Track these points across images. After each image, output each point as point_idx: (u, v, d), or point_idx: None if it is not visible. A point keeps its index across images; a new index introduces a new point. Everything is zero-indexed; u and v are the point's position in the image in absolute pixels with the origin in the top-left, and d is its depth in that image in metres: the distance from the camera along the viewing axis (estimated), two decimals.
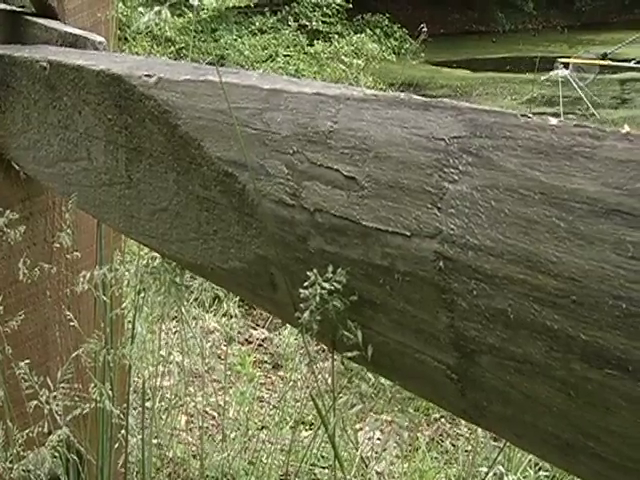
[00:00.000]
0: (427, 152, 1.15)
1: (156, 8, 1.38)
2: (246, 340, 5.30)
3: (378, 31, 19.72)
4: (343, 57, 11.22)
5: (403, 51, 19.64)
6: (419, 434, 4.39)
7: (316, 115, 1.32)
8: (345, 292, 1.27)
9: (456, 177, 1.11)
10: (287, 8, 16.57)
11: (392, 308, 1.24)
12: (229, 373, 4.30)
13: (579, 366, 1.03)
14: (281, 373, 4.70)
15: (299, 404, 3.61)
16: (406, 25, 20.12)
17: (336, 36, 12.35)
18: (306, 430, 4.04)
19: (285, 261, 1.40)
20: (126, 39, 9.84)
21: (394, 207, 1.19)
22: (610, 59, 12.62)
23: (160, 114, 1.63)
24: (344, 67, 11.32)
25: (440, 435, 4.82)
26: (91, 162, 1.90)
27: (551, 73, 11.60)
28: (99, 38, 2.17)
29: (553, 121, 1.05)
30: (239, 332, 5.14)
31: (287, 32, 12.71)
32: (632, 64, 12.44)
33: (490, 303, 1.09)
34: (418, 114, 1.19)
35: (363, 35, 12.07)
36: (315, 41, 12.24)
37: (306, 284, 1.26)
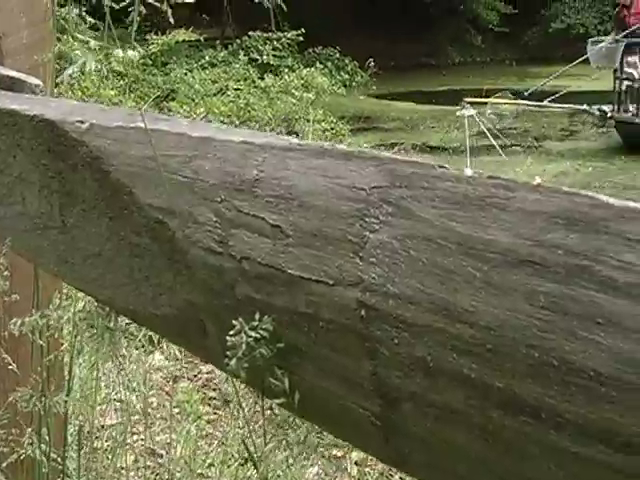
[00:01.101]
0: (349, 202, 1.17)
1: (80, 60, 1.38)
2: (195, 376, 5.28)
3: (329, 64, 19.85)
4: (293, 91, 11.28)
5: (354, 84, 19.78)
6: (368, 469, 4.39)
7: (243, 163, 1.34)
8: (272, 339, 1.28)
9: (377, 226, 1.13)
10: (238, 41, 16.63)
11: (317, 355, 1.25)
12: (177, 411, 4.27)
13: (496, 414, 1.05)
14: (229, 409, 4.68)
15: (246, 441, 3.61)
16: (357, 58, 20.31)
17: (286, 70, 12.40)
18: (254, 468, 4.03)
19: (214, 308, 1.41)
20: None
21: (318, 256, 1.20)
22: (526, 97, 12.66)
23: (92, 160, 1.63)
24: (294, 101, 11.38)
25: (390, 469, 4.83)
26: (25, 206, 1.90)
27: (458, 113, 11.61)
28: (36, 81, 2.17)
29: (469, 172, 1.07)
30: (187, 368, 5.12)
31: (238, 66, 12.74)
32: (542, 103, 12.47)
33: (411, 351, 1.11)
34: (340, 164, 1.21)
35: (313, 69, 12.13)
36: (266, 75, 12.29)
37: (232, 332, 1.27)
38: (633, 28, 12.49)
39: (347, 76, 19.65)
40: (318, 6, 22.82)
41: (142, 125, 1.53)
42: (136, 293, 1.59)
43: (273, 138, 1.34)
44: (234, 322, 1.27)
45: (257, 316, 1.28)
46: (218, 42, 16.90)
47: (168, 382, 4.75)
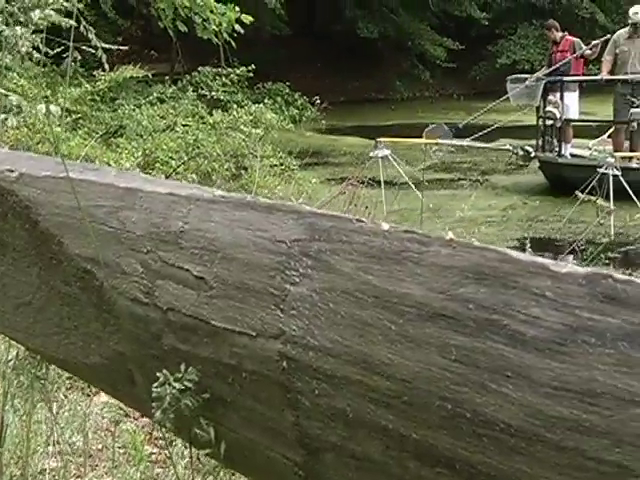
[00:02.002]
0: (270, 254, 1.18)
1: (2, 116, 1.39)
2: (142, 415, 5.22)
3: (279, 99, 19.93)
4: (242, 127, 11.28)
5: (304, 119, 19.87)
6: None
7: (168, 215, 1.35)
8: (197, 390, 1.29)
9: (297, 279, 1.15)
10: (188, 77, 16.65)
11: (242, 406, 1.26)
12: (122, 451, 4.23)
13: (413, 464, 1.06)
14: (176, 449, 4.64)
15: None
16: (307, 94, 20.40)
17: (235, 105, 12.43)
18: None
19: (141, 358, 1.41)
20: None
21: (240, 307, 1.22)
22: (460, 129, 12.57)
23: (22, 209, 1.63)
24: (243, 136, 11.38)
25: None
26: None
27: (371, 154, 11.57)
28: None
29: (385, 226, 1.09)
30: (133, 408, 5.07)
31: (186, 101, 12.75)
32: (465, 142, 12.36)
33: (331, 402, 1.12)
34: (263, 217, 1.22)
35: (262, 105, 12.17)
36: (215, 110, 12.31)
37: (157, 384, 1.28)
38: (556, 66, 12.29)
39: (297, 111, 19.71)
40: (268, 42, 22.97)
41: (71, 175, 1.54)
42: (66, 342, 1.59)
43: (198, 190, 1.35)
44: (158, 374, 1.27)
45: (182, 367, 1.29)
46: (167, 78, 16.92)
47: (112, 423, 4.70)
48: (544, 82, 12.02)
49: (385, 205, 10.58)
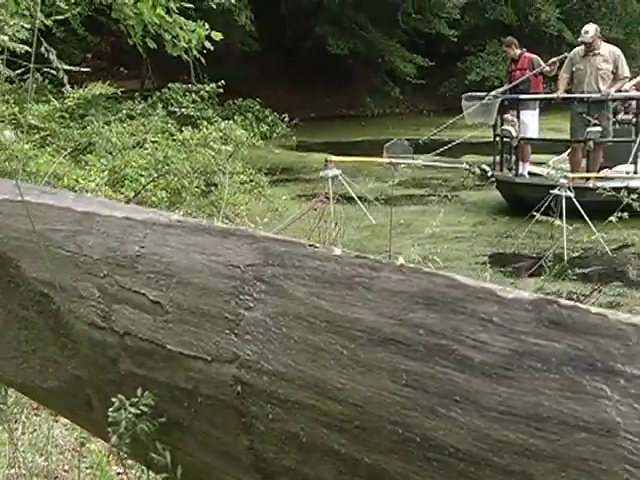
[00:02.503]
0: (225, 279, 1.19)
1: None
2: None
3: (250, 115, 19.95)
4: (212, 143, 11.26)
5: (275, 135, 19.89)
6: None
7: (125, 239, 1.35)
8: (154, 414, 1.29)
9: (251, 304, 1.15)
10: (158, 93, 16.62)
11: (198, 430, 1.26)
12: (88, 472, 4.21)
13: None
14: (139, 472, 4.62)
15: None
16: (278, 110, 20.43)
17: (205, 122, 12.40)
18: None
19: (99, 382, 1.41)
20: None
21: (196, 332, 1.22)
22: (421, 145, 12.39)
23: None
24: (213, 153, 11.36)
25: None
26: None
27: (321, 174, 11.41)
28: None
29: (337, 251, 1.10)
30: None
31: (156, 118, 12.71)
32: (420, 161, 12.10)
33: (284, 427, 1.13)
34: (218, 241, 1.23)
35: (231, 122, 12.16)
36: (185, 127, 12.28)
37: (112, 408, 1.28)
38: (514, 83, 12.00)
39: (267, 127, 19.74)
40: (239, 58, 23.00)
41: (28, 199, 1.54)
42: (24, 366, 1.59)
43: (154, 214, 1.36)
44: (113, 400, 1.27)
45: (139, 391, 1.29)
46: (137, 94, 16.88)
47: (78, 444, 4.68)
48: (500, 100, 11.84)
49: (356, 221, 10.60)
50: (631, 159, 10.84)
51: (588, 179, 10.46)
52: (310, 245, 1.12)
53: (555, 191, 8.46)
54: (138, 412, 1.27)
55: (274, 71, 24.57)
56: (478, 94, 12.56)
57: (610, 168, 11.09)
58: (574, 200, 8.37)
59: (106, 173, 8.82)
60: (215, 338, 1.19)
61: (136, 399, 1.28)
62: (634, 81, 11.90)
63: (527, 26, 25.70)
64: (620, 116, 11.81)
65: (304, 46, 24.18)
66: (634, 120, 11.58)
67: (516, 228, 9.77)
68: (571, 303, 0.90)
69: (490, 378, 0.92)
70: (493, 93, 12.13)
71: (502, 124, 11.73)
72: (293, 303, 1.11)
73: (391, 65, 25.33)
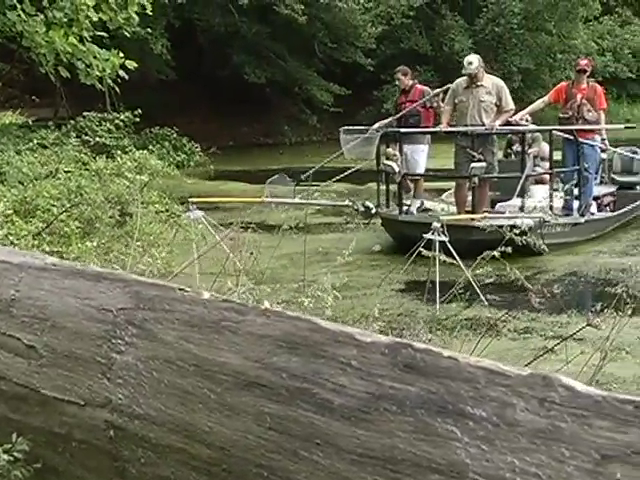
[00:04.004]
0: (98, 323, 1.19)
1: None
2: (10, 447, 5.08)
3: (167, 144, 19.80)
4: (127, 173, 11.16)
5: (192, 164, 19.79)
6: None
7: (0, 283, 1.34)
8: (29, 460, 1.27)
9: (123, 348, 1.16)
10: (72, 122, 16.43)
11: (73, 475, 1.25)
12: None
13: None
14: None
15: None
16: (195, 138, 20.35)
17: (119, 151, 12.29)
18: None
19: None
20: None
21: (69, 376, 1.22)
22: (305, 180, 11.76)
23: None
24: (128, 183, 11.25)
25: None
26: None
27: (183, 215, 11.11)
28: None
29: (206, 295, 1.11)
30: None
31: (69, 147, 12.56)
32: (297, 199, 11.15)
33: (156, 471, 1.13)
34: (91, 285, 1.23)
35: (146, 151, 12.07)
36: (99, 156, 12.16)
37: None
38: (398, 115, 11.19)
39: (185, 156, 19.64)
40: (156, 86, 22.86)
41: None
42: None
43: (30, 257, 1.35)
44: None
45: (14, 437, 1.28)
46: (51, 123, 16.65)
47: None
48: (380, 134, 10.99)
49: (273, 250, 10.57)
50: (516, 194, 10.25)
51: (473, 219, 9.63)
52: (180, 289, 1.13)
53: (428, 235, 7.66)
54: (11, 459, 1.26)
55: (191, 99, 24.50)
56: (357, 127, 11.87)
57: (505, 201, 10.61)
58: (448, 245, 7.53)
59: (9, 203, 8.66)
60: (88, 382, 1.19)
61: (10, 445, 1.26)
62: (524, 112, 11.63)
63: (441, 56, 26.11)
64: (516, 147, 11.44)
65: (221, 75, 24.17)
66: (529, 150, 11.18)
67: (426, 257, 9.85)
68: (424, 346, 0.92)
69: (349, 421, 0.94)
70: (376, 126, 11.37)
71: (387, 158, 10.94)
72: (163, 347, 1.12)
73: (308, 94, 25.45)
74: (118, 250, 9.25)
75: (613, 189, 12.10)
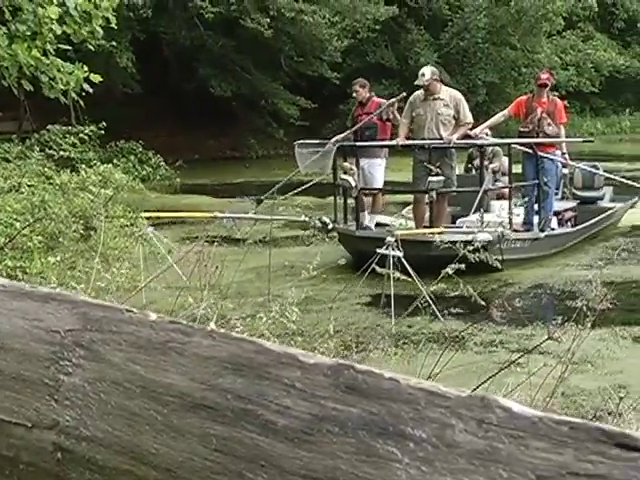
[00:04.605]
0: (45, 344, 1.19)
1: None
2: None
3: (132, 158, 19.76)
4: (91, 187, 11.13)
5: (158, 177, 19.77)
6: None
7: None
8: None
9: (70, 370, 1.16)
10: (36, 135, 16.36)
11: None
12: None
13: None
14: None
15: None
16: (161, 152, 20.33)
17: (84, 165, 12.27)
18: None
19: None
20: None
21: (17, 398, 1.21)
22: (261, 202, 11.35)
23: None
24: (92, 197, 11.21)
25: None
26: None
27: (137, 231, 10.92)
28: None
29: (153, 317, 1.11)
30: None
31: (33, 161, 12.52)
32: (249, 214, 10.70)
33: None
34: (39, 306, 1.23)
35: (110, 165, 12.07)
36: (63, 170, 12.12)
37: None
38: (354, 128, 10.98)
39: (151, 170, 19.61)
40: (121, 100, 22.83)
41: None
42: None
43: None
44: None
45: None
46: (15, 136, 16.58)
47: None
48: (335, 148, 10.74)
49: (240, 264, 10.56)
50: (474, 209, 10.06)
51: (432, 234, 9.42)
52: (127, 310, 1.13)
53: (382, 250, 7.56)
54: None
55: (157, 113, 24.47)
56: (313, 141, 11.72)
57: (466, 216, 10.44)
58: (402, 260, 7.49)
59: None
60: (35, 404, 1.19)
61: None
62: (484, 125, 11.49)
63: (407, 69, 26.27)
64: (477, 162, 11.21)
65: (187, 88, 24.18)
66: (489, 165, 11.13)
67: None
68: (366, 368, 0.93)
69: (292, 442, 0.95)
70: (333, 140, 11.10)
71: (337, 174, 10.77)
72: (110, 368, 1.12)
73: (275, 107, 25.52)
74: (82, 265, 9.22)
75: (574, 204, 12.13)
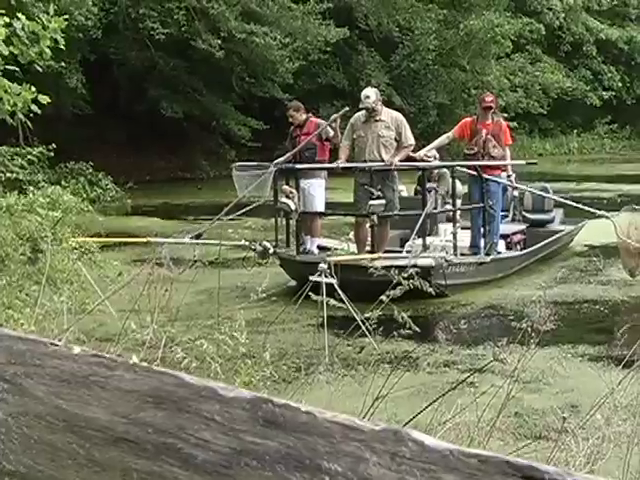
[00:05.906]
0: None
1: None
2: None
3: (82, 179, 19.62)
4: (39, 209, 11.01)
5: (109, 199, 19.65)
6: None
7: None
8: None
9: None
10: None
11: None
12: None
13: None
14: None
15: None
16: (112, 173, 20.22)
17: (32, 187, 12.15)
18: None
19: None
20: None
21: None
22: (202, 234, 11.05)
23: None
24: (40, 219, 11.09)
25: None
26: None
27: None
28: None
29: (76, 350, 1.11)
30: None
31: None
32: (187, 239, 10.54)
33: None
34: None
35: (59, 187, 11.97)
36: (11, 192, 12.00)
37: None
38: (294, 151, 10.67)
39: (101, 191, 19.50)
40: (71, 121, 22.69)
41: None
42: None
43: None
44: None
45: None
46: None
47: None
48: (274, 171, 10.51)
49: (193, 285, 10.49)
50: (415, 233, 9.77)
51: (372, 259, 9.15)
52: (51, 344, 1.13)
53: (314, 277, 7.23)
54: None
55: (108, 134, 24.36)
56: (251, 163, 11.46)
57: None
58: (336, 287, 7.03)
59: None
60: None
61: None
62: (429, 147, 11.40)
63: (358, 90, 26.38)
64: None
65: (138, 109, 24.12)
66: (438, 188, 11.10)
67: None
68: (284, 402, 0.94)
69: (211, 476, 0.95)
70: (274, 162, 10.81)
71: (278, 197, 10.54)
72: (34, 402, 1.12)
73: (226, 128, 25.52)
74: (28, 287, 9.12)
75: (524, 227, 12.06)
